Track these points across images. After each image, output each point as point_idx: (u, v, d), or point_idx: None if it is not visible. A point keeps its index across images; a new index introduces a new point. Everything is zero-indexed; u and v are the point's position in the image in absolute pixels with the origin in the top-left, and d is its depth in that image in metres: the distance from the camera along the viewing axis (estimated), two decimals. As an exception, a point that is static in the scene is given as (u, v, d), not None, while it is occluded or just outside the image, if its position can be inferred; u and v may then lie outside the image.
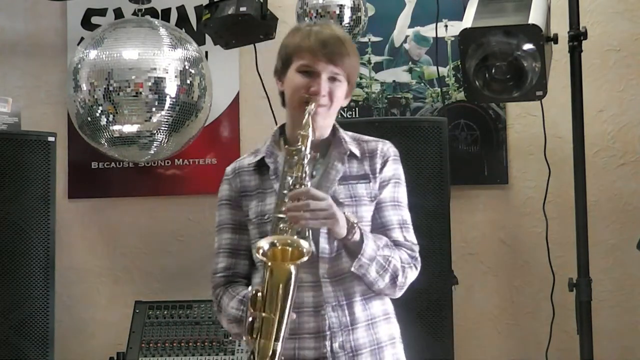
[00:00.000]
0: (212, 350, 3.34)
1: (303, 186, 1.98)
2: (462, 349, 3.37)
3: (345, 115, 3.76)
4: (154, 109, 3.29)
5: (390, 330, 2.16)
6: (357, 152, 2.18)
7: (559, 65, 3.36)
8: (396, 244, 2.14)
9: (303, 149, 2.00)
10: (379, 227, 2.15)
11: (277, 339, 1.89)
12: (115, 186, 3.92)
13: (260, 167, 2.18)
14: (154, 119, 3.30)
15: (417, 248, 2.18)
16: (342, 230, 1.99)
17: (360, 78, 3.78)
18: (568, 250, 3.37)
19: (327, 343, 2.04)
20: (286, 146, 2.09)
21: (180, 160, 3.87)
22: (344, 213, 2.01)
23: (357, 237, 2.02)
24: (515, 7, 3.04)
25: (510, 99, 3.15)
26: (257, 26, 3.29)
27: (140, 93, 3.26)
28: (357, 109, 3.78)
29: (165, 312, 3.47)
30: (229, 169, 2.25)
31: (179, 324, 3.44)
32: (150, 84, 3.26)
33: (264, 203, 2.13)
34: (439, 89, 3.71)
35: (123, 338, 3.46)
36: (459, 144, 3.68)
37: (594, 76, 3.58)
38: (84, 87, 3.31)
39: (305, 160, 2.00)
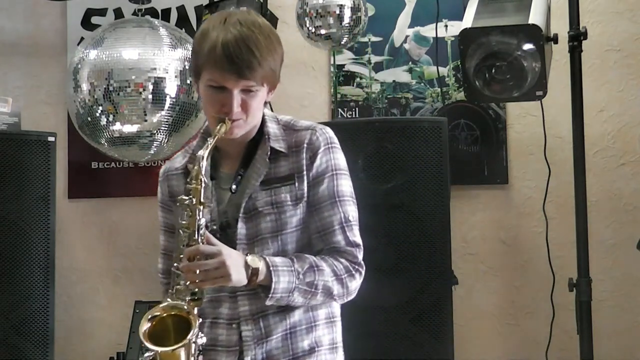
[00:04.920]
0: (212, 350, 3.33)
1: (197, 241, 1.86)
2: (462, 349, 3.37)
3: (345, 115, 3.77)
4: (154, 109, 3.29)
5: (313, 339, 2.02)
6: (282, 147, 2.00)
7: (559, 65, 3.35)
8: (336, 251, 2.00)
9: (194, 201, 1.87)
10: (318, 230, 2.01)
11: None
12: (115, 186, 3.92)
13: (188, 171, 2.02)
14: (154, 119, 3.30)
15: (359, 250, 2.04)
16: (241, 281, 1.86)
17: (360, 78, 3.78)
18: (568, 250, 3.37)
19: (238, 358, 1.96)
20: (179, 197, 1.92)
21: (180, 160, 3.86)
22: (246, 258, 1.88)
23: (262, 277, 1.88)
24: (515, 7, 3.04)
25: (510, 99, 3.15)
26: (257, 26, 3.28)
27: (140, 93, 3.26)
28: (357, 109, 3.78)
29: (165, 312, 3.47)
30: (161, 170, 2.16)
31: (179, 324, 3.43)
32: (150, 84, 3.26)
33: None
34: (439, 89, 3.71)
35: (123, 338, 3.46)
36: (459, 144, 3.68)
37: (594, 76, 3.58)
38: (84, 87, 3.31)
39: (198, 213, 1.87)
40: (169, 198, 2.10)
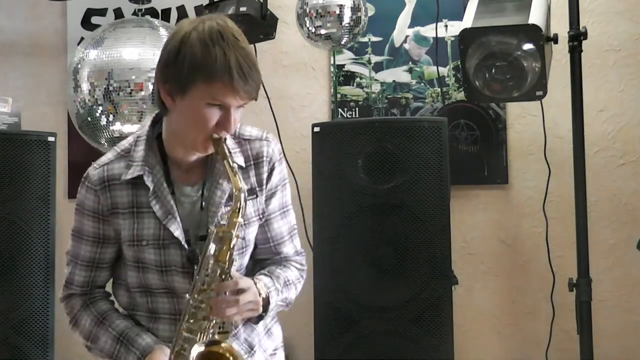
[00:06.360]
0: (212, 350, 3.33)
1: (229, 275, 1.82)
2: (462, 349, 3.37)
3: (345, 115, 3.77)
4: (154, 109, 3.28)
5: (274, 341, 2.08)
6: (241, 161, 1.95)
7: (559, 65, 3.35)
8: (286, 260, 2.04)
9: (233, 233, 1.81)
10: (267, 241, 2.02)
11: None
12: (115, 186, 3.91)
13: (136, 181, 1.94)
14: (154, 119, 3.30)
15: (303, 255, 2.10)
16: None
17: (360, 78, 3.78)
18: (568, 250, 3.36)
19: None
20: (215, 229, 1.84)
21: (180, 160, 3.86)
22: (257, 287, 1.88)
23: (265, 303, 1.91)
24: (515, 7, 3.04)
25: (510, 99, 3.14)
26: (257, 26, 3.28)
27: (140, 93, 3.26)
28: (357, 109, 3.78)
29: (165, 312, 3.46)
30: (95, 177, 2.00)
31: (179, 324, 3.43)
32: (150, 83, 3.26)
33: (140, 226, 1.93)
34: (439, 89, 3.71)
35: (123, 338, 3.46)
36: (459, 144, 3.67)
37: (594, 76, 3.58)
38: (84, 87, 3.31)
39: (235, 246, 1.83)
40: (109, 209, 1.95)
